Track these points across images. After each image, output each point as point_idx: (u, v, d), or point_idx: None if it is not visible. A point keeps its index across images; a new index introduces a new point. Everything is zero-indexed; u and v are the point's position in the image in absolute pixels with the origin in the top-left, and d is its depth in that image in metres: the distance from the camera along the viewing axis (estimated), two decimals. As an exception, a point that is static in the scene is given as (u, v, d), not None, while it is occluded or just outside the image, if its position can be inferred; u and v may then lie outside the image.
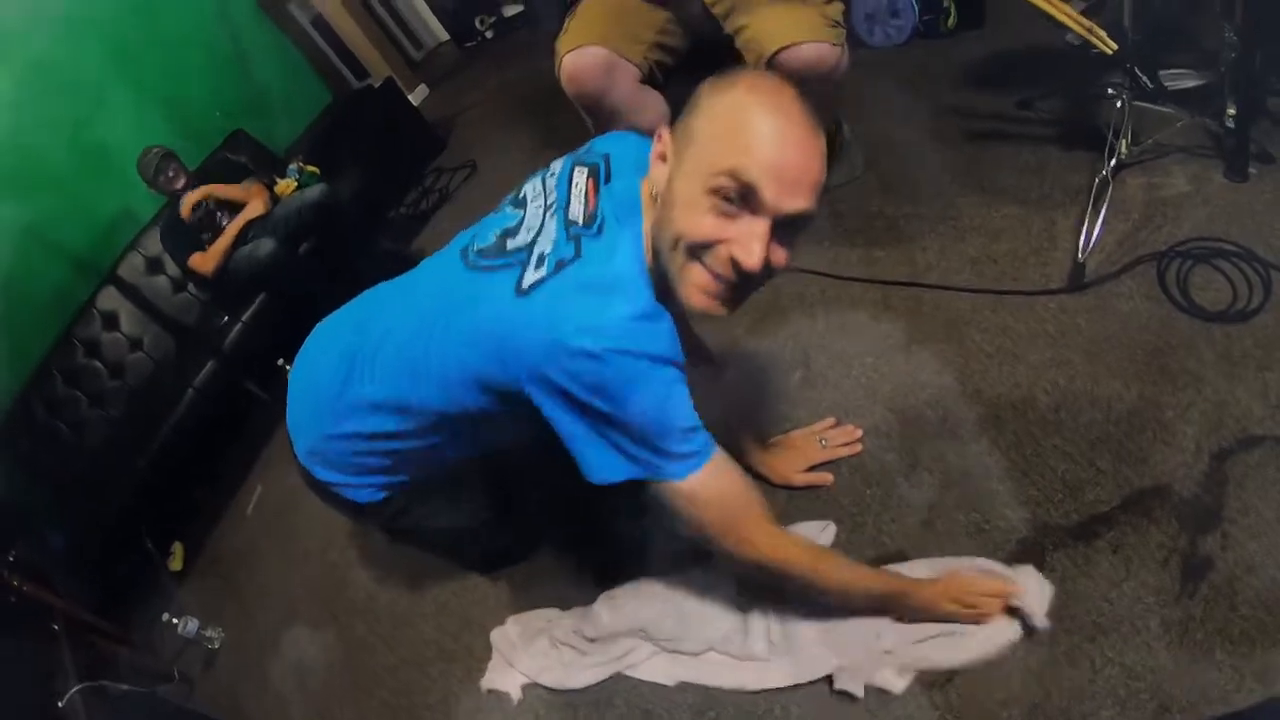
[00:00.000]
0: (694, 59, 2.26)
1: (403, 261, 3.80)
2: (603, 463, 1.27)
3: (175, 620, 2.58)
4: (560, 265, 1.23)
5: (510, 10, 6.12)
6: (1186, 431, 1.63)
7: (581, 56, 2.05)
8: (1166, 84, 2.26)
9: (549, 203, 1.37)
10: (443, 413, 1.46)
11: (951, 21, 3.09)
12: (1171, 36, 2.39)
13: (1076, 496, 1.62)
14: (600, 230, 1.27)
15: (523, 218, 1.39)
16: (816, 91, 1.19)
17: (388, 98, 4.85)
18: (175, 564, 3.24)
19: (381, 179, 4.52)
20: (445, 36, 6.80)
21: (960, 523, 1.68)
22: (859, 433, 1.90)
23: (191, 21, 4.68)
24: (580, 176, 1.37)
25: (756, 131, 1.11)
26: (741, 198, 1.12)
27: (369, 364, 1.53)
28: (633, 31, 2.10)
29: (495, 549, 2.08)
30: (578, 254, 1.23)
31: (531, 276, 1.24)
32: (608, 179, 1.36)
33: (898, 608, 1.51)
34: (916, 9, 3.10)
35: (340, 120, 4.79)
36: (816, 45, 1.91)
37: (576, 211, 1.31)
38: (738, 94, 1.15)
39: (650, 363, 1.18)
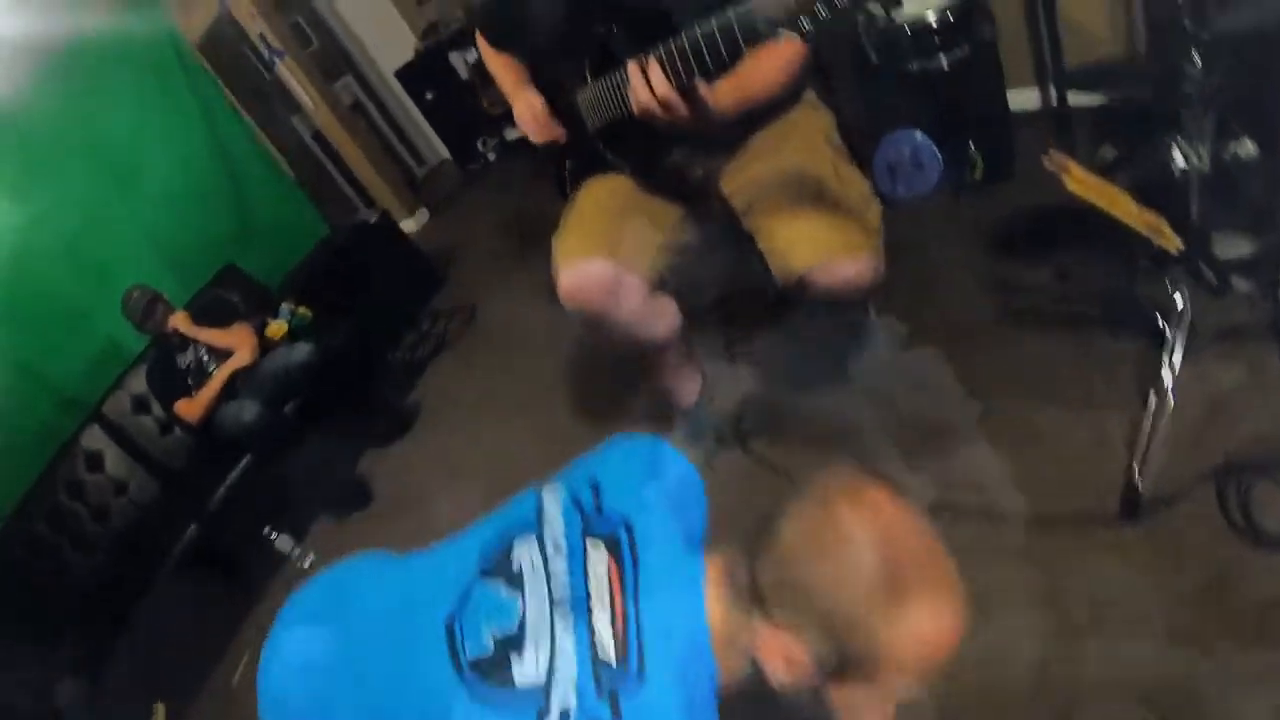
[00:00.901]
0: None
1: (396, 419, 3.72)
2: None
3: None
4: None
5: (513, 134, 5.96)
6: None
7: (582, 274, 1.81)
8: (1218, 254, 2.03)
9: (556, 595, 1.02)
10: None
11: (979, 173, 2.89)
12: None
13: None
14: (642, 672, 0.94)
15: (522, 615, 1.03)
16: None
17: (384, 233, 4.71)
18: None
19: (377, 320, 4.33)
20: (447, 155, 6.73)
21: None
22: None
23: (186, 151, 4.57)
24: (598, 558, 1.03)
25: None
26: None
27: None
28: (640, 236, 1.86)
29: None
30: None
31: None
32: (635, 562, 1.03)
33: None
34: (941, 160, 2.90)
35: (336, 256, 4.61)
36: (854, 263, 1.69)
37: (604, 638, 0.96)
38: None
39: None
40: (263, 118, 6.32)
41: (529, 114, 1.94)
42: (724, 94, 1.62)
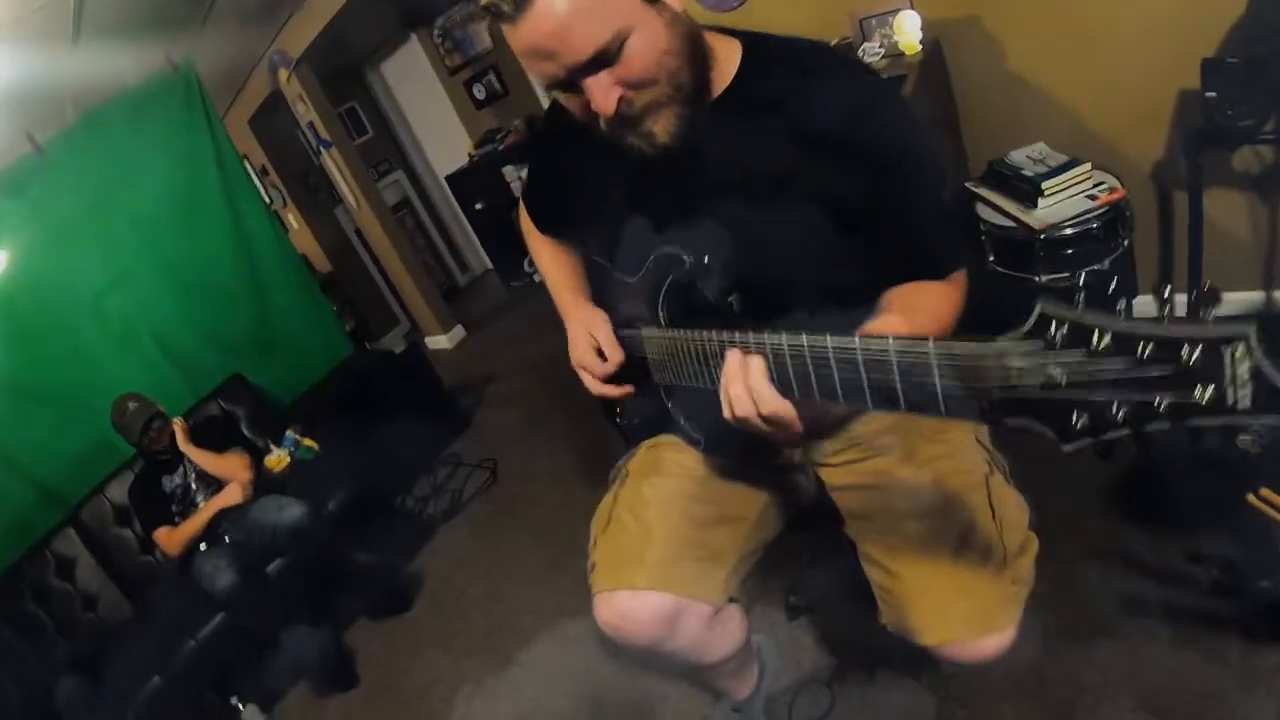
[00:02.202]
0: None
1: (395, 591, 3.28)
2: None
3: None
4: None
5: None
6: None
7: (630, 607, 1.33)
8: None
9: None
10: None
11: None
12: None
13: None
14: None
15: None
16: None
17: (411, 366, 4.35)
18: None
19: (392, 460, 3.95)
20: (491, 266, 6.46)
21: None
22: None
23: (206, 240, 4.25)
24: None
25: None
26: None
27: None
28: (712, 549, 1.38)
29: None
30: None
31: None
32: None
33: None
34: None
35: (355, 384, 4.25)
36: (1000, 638, 1.21)
37: None
38: None
39: None
40: (307, 205, 6.12)
41: (587, 349, 1.42)
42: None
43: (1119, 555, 1.98)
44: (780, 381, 0.95)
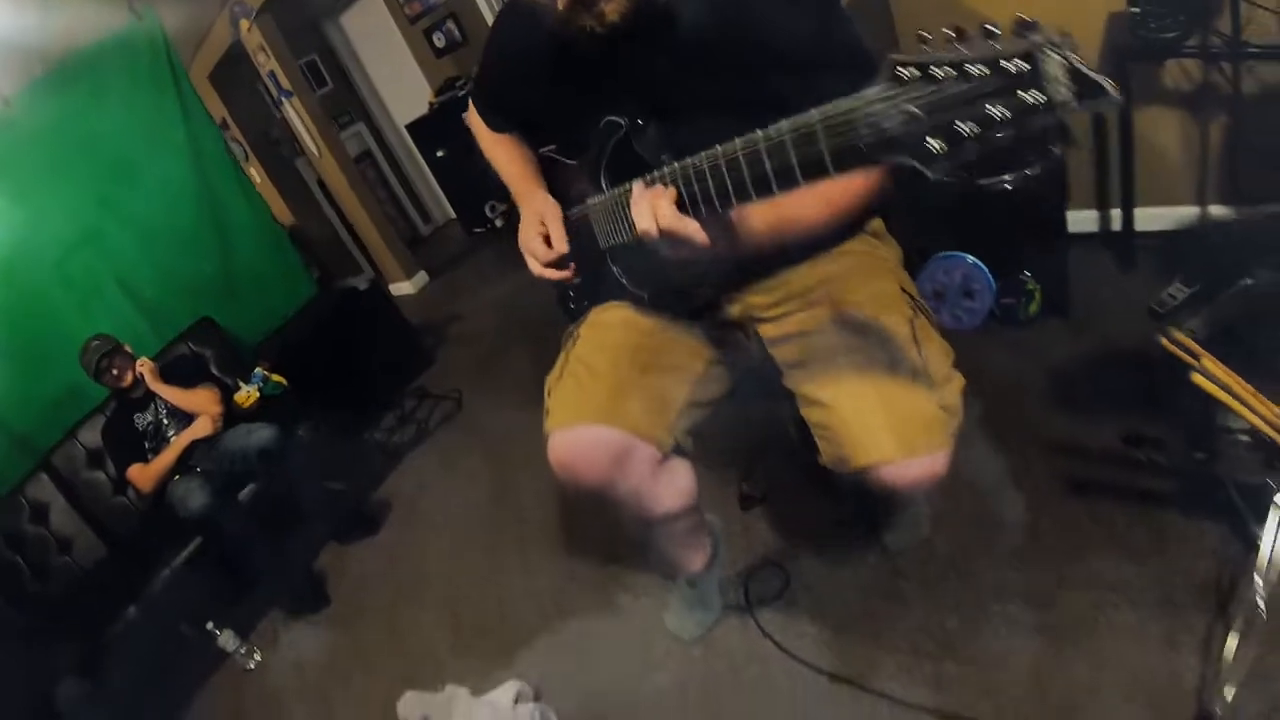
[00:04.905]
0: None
1: (362, 515, 3.36)
2: None
3: None
4: None
5: (524, 203, 5.74)
6: None
7: (580, 442, 1.42)
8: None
9: None
10: None
11: (1035, 307, 2.56)
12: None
13: None
14: None
15: None
16: None
17: (375, 302, 4.41)
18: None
19: (358, 395, 4.04)
20: (454, 215, 6.48)
21: None
22: None
23: (171, 188, 4.32)
24: None
25: None
26: None
27: None
28: (656, 393, 1.48)
29: None
30: None
31: None
32: None
33: None
34: (995, 290, 2.58)
35: (320, 322, 4.31)
36: (929, 462, 1.29)
37: None
38: None
39: None
40: (268, 158, 6.12)
41: (536, 236, 1.51)
42: (759, 221, 1.27)
43: (1060, 442, 2.12)
44: (689, 200, 1.08)
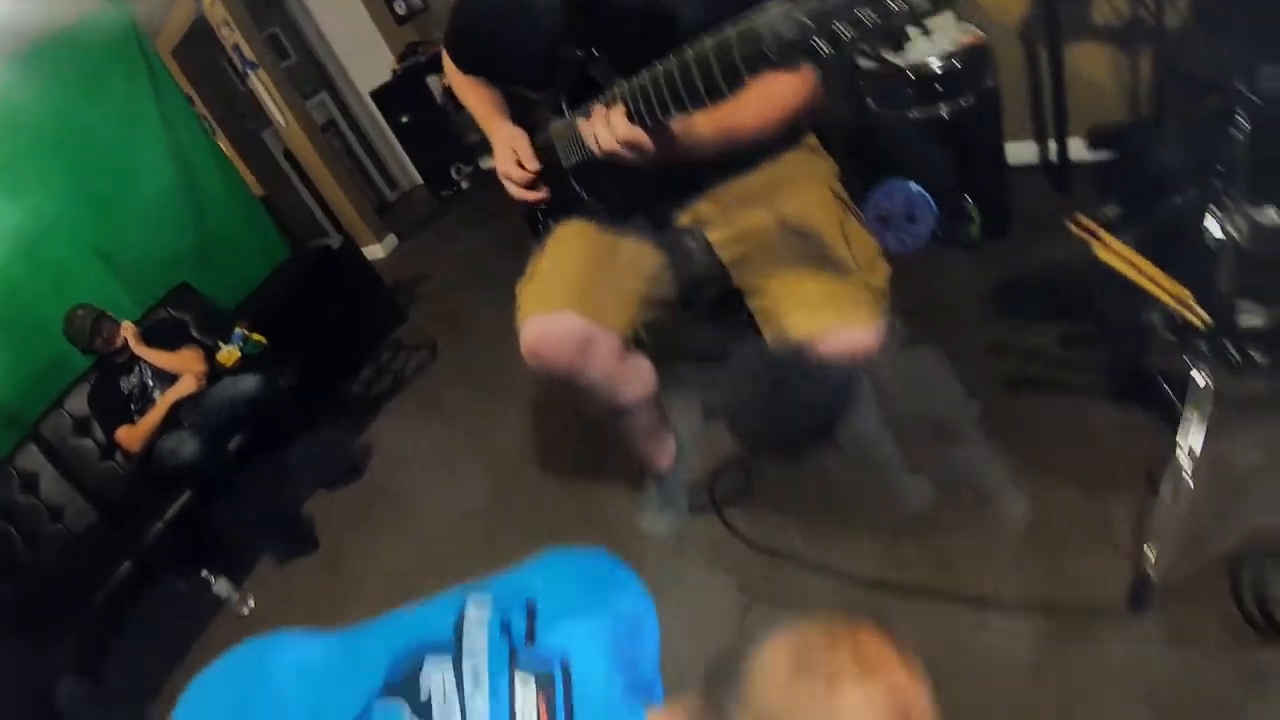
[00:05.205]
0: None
1: (346, 461, 3.50)
2: None
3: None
4: None
5: (487, 163, 5.80)
6: None
7: (549, 329, 1.58)
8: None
9: None
10: None
11: (975, 229, 2.73)
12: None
13: None
14: None
15: None
16: None
17: (347, 260, 4.51)
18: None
19: (334, 351, 4.13)
20: (420, 180, 6.54)
21: None
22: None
23: (144, 159, 4.37)
24: (527, 699, 0.85)
25: None
26: None
27: None
28: (615, 287, 1.64)
29: None
30: None
31: None
32: (569, 709, 0.85)
33: None
34: (936, 213, 2.74)
35: (295, 281, 4.40)
36: (858, 333, 1.47)
37: None
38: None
39: None
40: (234, 132, 6.16)
41: (510, 161, 1.68)
42: (703, 131, 1.45)
43: (1002, 347, 2.33)
44: (636, 113, 1.25)
